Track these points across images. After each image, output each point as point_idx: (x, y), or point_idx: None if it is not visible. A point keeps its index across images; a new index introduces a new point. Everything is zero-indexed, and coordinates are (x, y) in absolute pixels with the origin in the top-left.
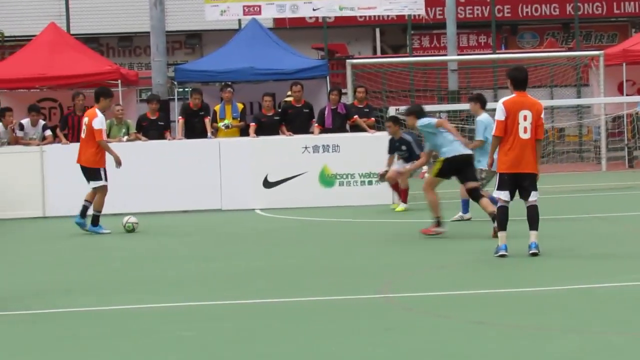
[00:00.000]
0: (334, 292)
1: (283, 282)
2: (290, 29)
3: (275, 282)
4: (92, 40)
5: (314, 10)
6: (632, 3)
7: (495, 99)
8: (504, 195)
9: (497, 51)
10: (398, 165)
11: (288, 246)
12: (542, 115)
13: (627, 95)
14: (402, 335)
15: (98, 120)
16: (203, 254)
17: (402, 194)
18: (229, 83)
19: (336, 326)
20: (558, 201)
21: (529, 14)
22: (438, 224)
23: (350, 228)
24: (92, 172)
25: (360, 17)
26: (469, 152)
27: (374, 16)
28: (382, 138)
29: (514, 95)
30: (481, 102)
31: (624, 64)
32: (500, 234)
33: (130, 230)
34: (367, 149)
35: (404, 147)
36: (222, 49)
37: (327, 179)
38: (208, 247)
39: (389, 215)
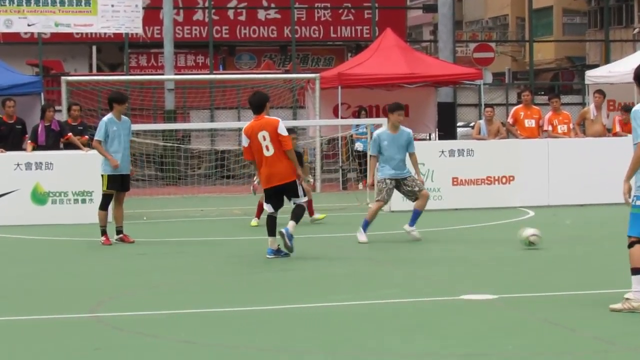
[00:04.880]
0: (46, 311)
1: None
2: (4, 44)
3: None
4: None
5: (29, 25)
6: (348, 28)
7: (212, 119)
8: (268, 207)
9: (215, 72)
10: None
11: None
12: (281, 129)
13: (342, 118)
14: (111, 355)
15: None
16: None
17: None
18: None
19: (45, 346)
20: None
21: (247, 35)
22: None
23: (65, 246)
24: None
25: (77, 34)
26: None
27: (91, 33)
28: (96, 156)
29: (252, 120)
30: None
31: (340, 87)
32: (269, 239)
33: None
34: (81, 167)
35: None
36: None
37: (39, 197)
38: None
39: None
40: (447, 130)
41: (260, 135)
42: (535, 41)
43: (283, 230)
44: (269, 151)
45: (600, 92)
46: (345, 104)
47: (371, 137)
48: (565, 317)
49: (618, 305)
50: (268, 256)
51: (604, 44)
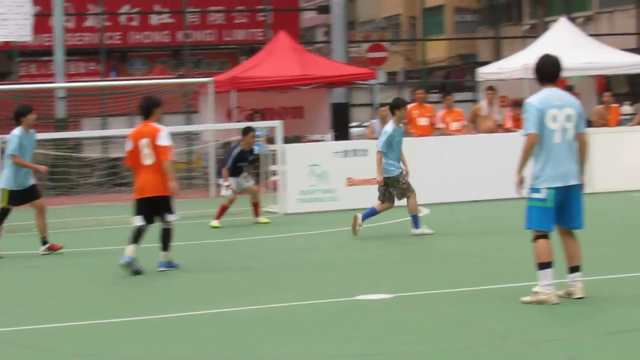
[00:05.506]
0: None
1: None
2: None
3: None
4: None
5: None
6: (241, 31)
7: (104, 127)
8: (138, 220)
9: (107, 78)
10: (241, 179)
11: None
12: (160, 139)
13: (236, 121)
14: None
15: None
16: None
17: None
18: None
19: None
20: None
21: (140, 40)
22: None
23: None
24: None
25: None
26: None
27: None
28: None
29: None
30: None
31: (233, 91)
32: (131, 246)
33: None
34: None
35: (251, 158)
36: None
37: None
38: None
39: None
40: (341, 131)
41: (142, 142)
42: (428, 40)
43: (161, 268)
44: (148, 160)
45: (492, 89)
46: (239, 107)
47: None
48: (461, 313)
49: (528, 298)
50: (121, 262)
51: (495, 41)
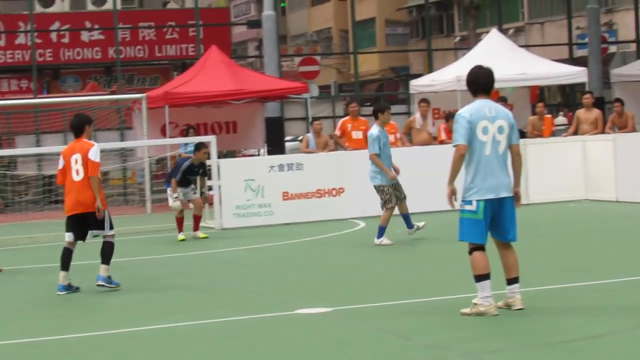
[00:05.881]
0: None
1: None
2: None
3: None
4: None
5: None
6: (173, 46)
7: (38, 144)
8: (68, 236)
9: (39, 96)
10: (188, 190)
11: None
12: (91, 154)
13: (170, 137)
14: None
15: None
16: None
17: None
18: None
19: None
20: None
21: (71, 57)
22: None
23: None
24: None
25: None
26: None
27: None
28: None
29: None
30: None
31: (167, 106)
32: (61, 273)
33: None
34: None
35: (201, 170)
36: None
37: None
38: None
39: None
40: (275, 145)
41: (73, 158)
42: (360, 53)
43: (100, 282)
44: (78, 175)
45: (425, 101)
46: (173, 123)
47: None
48: (401, 326)
49: (467, 310)
50: (59, 293)
51: (427, 53)
